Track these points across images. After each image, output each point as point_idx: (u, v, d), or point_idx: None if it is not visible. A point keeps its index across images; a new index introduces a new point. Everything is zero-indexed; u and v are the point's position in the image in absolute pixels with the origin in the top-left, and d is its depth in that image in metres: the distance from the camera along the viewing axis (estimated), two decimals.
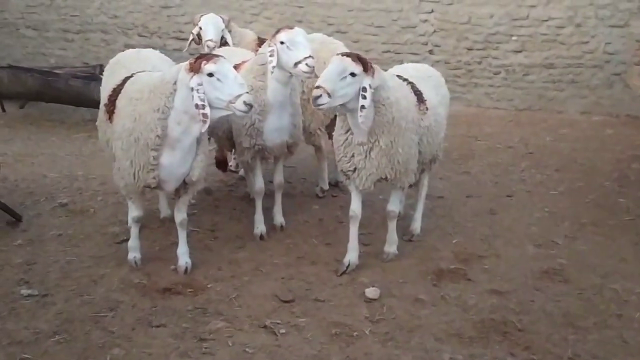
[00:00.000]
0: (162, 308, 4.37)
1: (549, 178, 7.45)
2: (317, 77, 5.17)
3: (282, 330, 4.14)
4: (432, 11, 10.89)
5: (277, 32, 5.05)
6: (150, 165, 4.40)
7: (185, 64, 4.28)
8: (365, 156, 4.56)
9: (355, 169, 4.65)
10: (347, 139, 4.60)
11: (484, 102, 11.08)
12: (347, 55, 4.38)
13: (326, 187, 6.59)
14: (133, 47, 11.81)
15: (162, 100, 4.27)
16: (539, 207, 6.49)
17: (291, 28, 5.03)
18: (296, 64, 4.87)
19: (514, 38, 10.77)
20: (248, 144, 5.22)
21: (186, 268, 4.85)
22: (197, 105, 4.17)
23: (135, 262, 4.90)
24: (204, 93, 4.18)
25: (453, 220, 6.08)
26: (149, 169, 4.41)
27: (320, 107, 4.28)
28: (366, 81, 4.28)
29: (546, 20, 10.65)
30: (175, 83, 4.28)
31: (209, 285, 4.70)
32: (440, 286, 4.81)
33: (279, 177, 5.67)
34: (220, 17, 6.56)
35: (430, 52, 11.06)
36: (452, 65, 11.04)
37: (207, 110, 4.19)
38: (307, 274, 4.95)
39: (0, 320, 4.14)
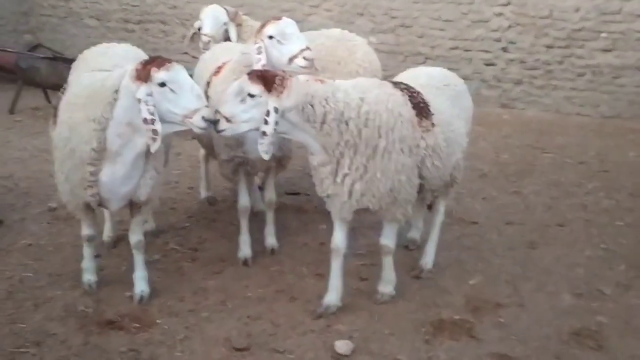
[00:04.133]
0: (93, 347, 3.77)
1: (618, 205, 6.22)
2: (317, 70, 4.44)
3: None
4: (508, 3, 9.70)
5: (263, 25, 4.34)
6: (87, 181, 3.81)
7: (130, 69, 3.64)
8: (333, 181, 3.75)
9: (328, 195, 3.85)
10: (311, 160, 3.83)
11: (563, 108, 9.77)
12: (249, 73, 3.61)
13: None
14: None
15: (99, 109, 3.66)
16: (594, 243, 5.35)
17: (278, 19, 4.30)
18: (291, 59, 4.20)
19: (603, 35, 9.39)
20: (227, 156, 4.53)
21: (141, 297, 4.24)
22: (145, 120, 3.54)
23: (90, 285, 4.36)
24: (153, 106, 3.54)
25: (479, 254, 5.09)
26: (86, 185, 3.83)
27: (222, 133, 3.64)
28: (270, 103, 3.48)
29: None
30: (116, 91, 3.65)
31: (158, 321, 4.06)
32: (433, 344, 3.91)
33: (269, 194, 4.94)
34: (225, 8, 5.89)
35: (504, 49, 9.88)
36: (529, 64, 9.82)
37: (158, 126, 3.55)
38: (279, 313, 4.20)
39: None
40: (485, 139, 8.32)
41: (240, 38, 5.88)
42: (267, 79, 3.52)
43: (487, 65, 9.97)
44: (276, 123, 3.53)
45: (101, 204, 3.99)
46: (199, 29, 5.92)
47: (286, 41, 4.18)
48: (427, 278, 4.67)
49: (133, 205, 4.11)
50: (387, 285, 4.34)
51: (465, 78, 9.49)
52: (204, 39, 5.73)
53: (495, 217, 5.85)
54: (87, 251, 4.35)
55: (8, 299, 4.25)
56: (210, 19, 5.80)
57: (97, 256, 4.80)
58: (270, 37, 4.20)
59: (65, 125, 3.80)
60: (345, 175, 3.72)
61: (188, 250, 5.05)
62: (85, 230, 4.27)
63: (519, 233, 5.52)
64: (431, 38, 10.18)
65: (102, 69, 4.17)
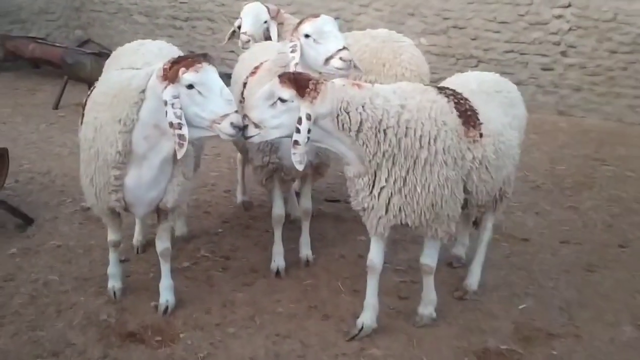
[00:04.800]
0: None
1: None
2: (359, 70, 4.15)
3: None
4: (569, 5, 9.17)
5: (300, 23, 4.08)
6: (111, 185, 3.61)
7: (157, 68, 3.42)
8: (370, 193, 3.45)
9: (363, 208, 3.55)
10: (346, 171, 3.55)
11: (626, 117, 9.18)
12: (280, 76, 3.32)
13: None
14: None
15: (125, 109, 3.45)
16: None
17: (316, 17, 4.03)
18: (327, 60, 3.92)
19: None
20: (260, 162, 4.28)
21: (166, 307, 4.03)
22: (171, 124, 3.31)
23: (114, 292, 4.18)
24: (180, 109, 3.31)
25: (530, 276, 4.70)
26: (111, 189, 3.63)
27: (250, 140, 3.38)
28: (303, 110, 3.19)
29: None
30: (143, 91, 3.44)
31: (182, 335, 3.84)
32: None
33: (305, 203, 4.68)
34: (266, 6, 5.62)
35: (563, 53, 9.36)
36: (590, 70, 9.27)
37: (185, 130, 3.32)
38: (310, 332, 3.92)
39: None
40: (540, 149, 7.84)
41: (281, 37, 5.61)
42: (300, 83, 3.25)
43: (544, 70, 9.46)
44: (309, 131, 3.26)
45: (127, 209, 3.79)
46: (239, 27, 5.68)
47: (323, 40, 3.91)
48: (472, 300, 4.32)
49: (160, 211, 3.90)
50: (427, 307, 4.01)
51: (520, 83, 9.09)
52: (243, 37, 5.48)
53: (548, 234, 5.43)
54: (112, 257, 4.17)
55: (31, 303, 4.10)
56: (250, 17, 5.55)
57: (125, 260, 4.68)
58: (307, 36, 3.94)
59: (91, 125, 3.62)
60: (382, 188, 3.42)
61: (219, 258, 4.82)
62: (111, 235, 4.09)
63: (575, 253, 5.09)
64: (485, 40, 9.73)
65: (133, 67, 3.98)
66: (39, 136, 7.69)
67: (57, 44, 10.40)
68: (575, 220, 5.75)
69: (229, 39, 6.07)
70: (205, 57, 3.46)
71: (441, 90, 3.62)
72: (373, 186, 3.43)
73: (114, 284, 4.19)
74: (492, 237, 4.62)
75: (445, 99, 3.53)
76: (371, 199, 3.46)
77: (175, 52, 4.45)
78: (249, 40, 5.44)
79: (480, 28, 9.71)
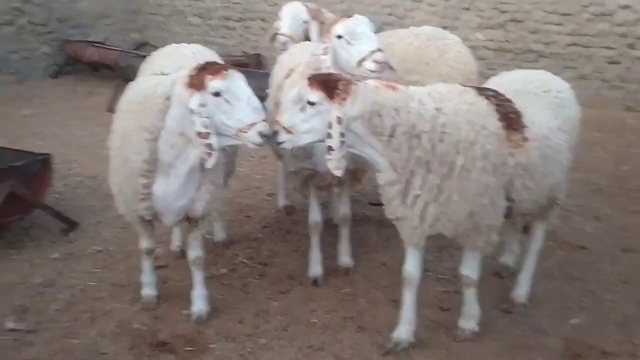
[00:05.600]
0: None
1: None
2: (395, 71, 3.97)
3: None
4: None
5: (333, 23, 3.91)
6: (140, 194, 3.56)
7: (183, 75, 3.34)
8: (402, 202, 3.25)
9: (397, 218, 3.36)
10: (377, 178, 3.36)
11: None
12: (310, 78, 3.15)
13: None
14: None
15: (151, 117, 3.39)
16: None
17: (349, 17, 3.86)
18: (360, 62, 3.76)
19: None
20: (294, 168, 4.14)
21: (199, 316, 3.96)
22: (199, 134, 3.24)
23: (149, 301, 4.13)
24: (207, 117, 3.22)
25: (585, 287, 4.39)
26: (139, 198, 3.58)
27: (282, 146, 3.25)
28: (333, 112, 3.00)
29: None
30: (168, 98, 3.36)
31: (212, 345, 3.75)
32: None
33: (343, 210, 4.52)
34: (306, 5, 5.47)
35: (630, 46, 8.86)
36: None
37: (213, 140, 3.24)
38: (344, 345, 3.76)
39: None
40: (604, 147, 7.40)
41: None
42: (329, 85, 3.09)
43: (610, 63, 8.96)
44: (342, 135, 3.10)
45: (156, 217, 3.74)
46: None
47: (355, 41, 3.75)
48: (520, 314, 4.05)
49: (190, 220, 3.82)
50: (468, 321, 3.78)
51: (583, 78, 8.66)
52: (281, 39, 5.34)
53: (609, 241, 5.07)
54: (146, 264, 4.12)
55: (67, 310, 4.10)
56: (289, 17, 5.40)
57: (163, 267, 4.63)
58: (339, 37, 3.78)
59: (118, 133, 3.58)
60: (416, 197, 3.22)
61: (257, 264, 4.72)
62: (144, 243, 4.04)
63: (637, 263, 4.72)
64: (545, 34, 9.29)
65: (164, 72, 3.91)
66: (91, 139, 7.81)
67: (113, 47, 10.60)
68: (639, 226, 5.36)
69: (270, 40, 5.96)
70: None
71: (481, 91, 3.39)
72: (406, 195, 3.23)
73: (148, 291, 4.15)
74: (546, 244, 4.34)
75: (485, 101, 3.29)
76: (404, 209, 3.26)
77: (211, 56, 4.37)
78: (286, 41, 5.31)
79: (540, 21, 9.28)
